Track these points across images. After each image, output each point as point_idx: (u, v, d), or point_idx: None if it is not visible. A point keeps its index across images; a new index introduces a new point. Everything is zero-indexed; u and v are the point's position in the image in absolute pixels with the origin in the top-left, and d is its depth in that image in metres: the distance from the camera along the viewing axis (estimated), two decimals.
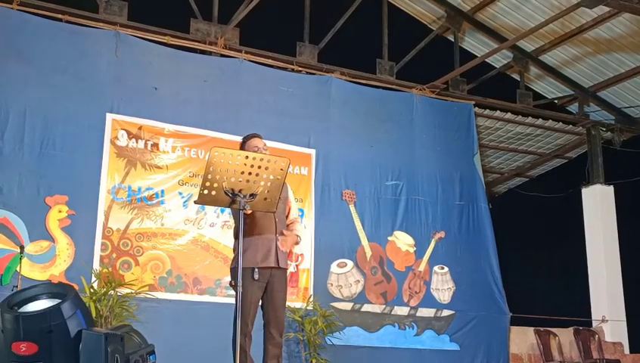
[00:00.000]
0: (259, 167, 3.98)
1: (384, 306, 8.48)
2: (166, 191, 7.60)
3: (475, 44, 10.47)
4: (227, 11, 8.51)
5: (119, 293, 6.73)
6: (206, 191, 3.97)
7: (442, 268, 8.95)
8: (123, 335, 3.85)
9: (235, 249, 4.50)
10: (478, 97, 10.05)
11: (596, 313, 10.09)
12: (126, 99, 7.57)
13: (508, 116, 10.39)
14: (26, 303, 3.85)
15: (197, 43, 8.35)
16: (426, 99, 9.51)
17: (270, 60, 8.72)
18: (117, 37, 7.69)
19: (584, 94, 10.75)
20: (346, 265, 8.37)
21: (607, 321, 9.94)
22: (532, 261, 12.42)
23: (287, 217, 4.77)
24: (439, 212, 9.11)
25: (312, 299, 7.95)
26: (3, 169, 6.84)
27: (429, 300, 8.76)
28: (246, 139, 4.79)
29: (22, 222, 6.81)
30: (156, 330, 6.14)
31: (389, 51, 9.65)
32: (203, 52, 8.39)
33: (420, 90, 9.54)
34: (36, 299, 3.88)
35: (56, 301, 3.80)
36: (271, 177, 4.03)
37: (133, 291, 6.89)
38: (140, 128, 7.58)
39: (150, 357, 4.02)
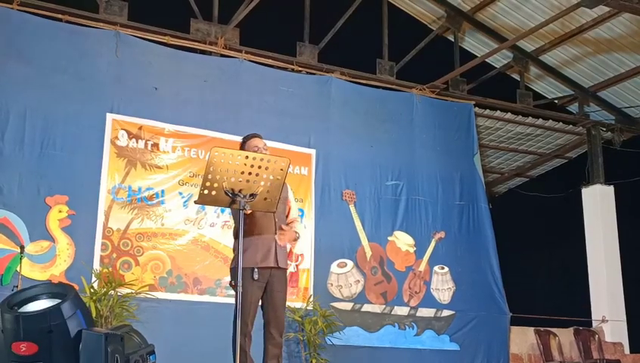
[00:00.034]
0: (259, 167, 3.98)
1: (384, 306, 8.48)
2: (166, 191, 7.60)
3: (475, 44, 10.47)
4: (227, 11, 8.50)
5: (119, 293, 6.73)
6: (206, 191, 3.97)
7: (443, 268, 8.95)
8: (123, 335, 3.85)
9: (235, 249, 4.50)
10: (478, 97, 10.04)
11: (596, 313, 10.09)
12: (126, 99, 7.57)
13: (508, 116, 10.38)
14: (26, 303, 3.85)
15: (197, 43, 8.35)
16: (426, 99, 9.51)
17: (270, 60, 8.72)
18: (117, 37, 7.69)
19: (584, 94, 10.74)
20: (346, 265, 8.37)
21: (607, 321, 9.93)
22: (532, 261, 12.41)
23: (286, 217, 4.77)
24: (439, 212, 9.11)
25: (312, 299, 7.95)
26: (3, 169, 6.84)
27: (429, 300, 8.76)
28: (246, 139, 4.78)
29: (22, 222, 6.81)
30: (157, 330, 6.14)
31: (389, 51, 9.64)
32: (203, 52, 8.38)
33: (421, 90, 9.53)
34: (36, 299, 3.88)
35: (56, 301, 3.80)
36: (271, 177, 4.03)
37: (133, 291, 6.89)
38: (140, 128, 7.58)
39: (150, 357, 4.02)
